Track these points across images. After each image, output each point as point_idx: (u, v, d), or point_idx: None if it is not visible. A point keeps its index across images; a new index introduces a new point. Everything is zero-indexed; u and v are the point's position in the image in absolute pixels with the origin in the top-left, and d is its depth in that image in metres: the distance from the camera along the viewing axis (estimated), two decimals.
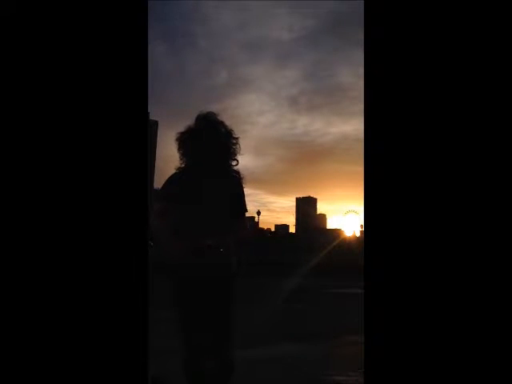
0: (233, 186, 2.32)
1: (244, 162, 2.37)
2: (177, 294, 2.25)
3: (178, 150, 2.31)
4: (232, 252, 2.26)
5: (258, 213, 47.51)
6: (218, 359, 2.22)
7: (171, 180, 2.31)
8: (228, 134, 2.30)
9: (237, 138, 2.32)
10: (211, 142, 2.25)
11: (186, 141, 2.29)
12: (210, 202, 2.22)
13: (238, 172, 2.35)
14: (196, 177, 2.25)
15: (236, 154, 2.32)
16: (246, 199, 2.39)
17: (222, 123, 2.29)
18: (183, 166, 2.32)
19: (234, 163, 2.33)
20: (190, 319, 2.22)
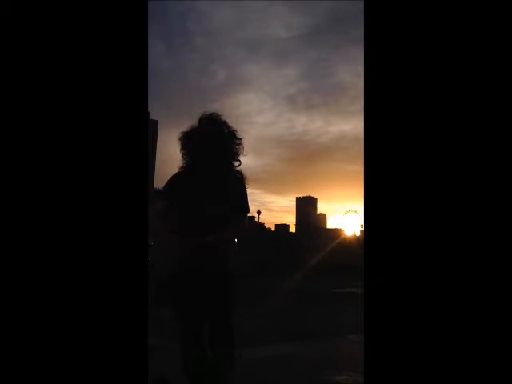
0: (235, 186, 2.33)
1: (243, 161, 2.39)
2: (172, 290, 2.26)
3: (181, 149, 2.32)
4: (230, 250, 2.28)
5: (259, 212, 47.55)
6: (218, 356, 2.22)
7: (174, 179, 2.33)
8: (231, 135, 2.31)
9: (240, 139, 2.33)
10: (214, 142, 2.26)
11: (188, 140, 2.30)
12: (212, 202, 2.24)
13: (240, 172, 2.36)
14: (198, 176, 2.27)
15: (239, 155, 2.33)
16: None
17: (225, 123, 2.30)
18: (186, 165, 2.33)
19: (236, 163, 2.34)
20: (185, 315, 2.23)
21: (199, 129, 2.29)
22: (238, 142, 2.32)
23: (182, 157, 2.33)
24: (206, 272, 2.19)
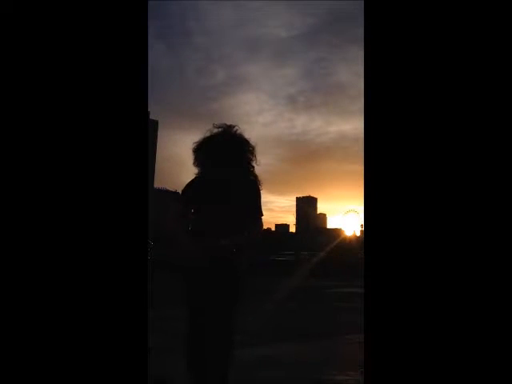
0: (249, 190, 2.42)
1: None
2: (189, 296, 2.33)
3: (195, 159, 2.42)
4: (243, 253, 2.36)
5: None
6: (218, 356, 2.26)
7: (191, 184, 2.43)
8: (244, 142, 2.42)
9: (253, 147, 2.44)
10: (228, 150, 2.36)
11: (202, 149, 2.40)
12: (227, 205, 2.33)
13: (255, 176, 2.46)
14: (214, 181, 2.36)
15: (252, 161, 2.44)
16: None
17: (237, 132, 2.41)
18: (202, 171, 2.42)
19: (250, 169, 2.44)
20: (197, 322, 2.28)
21: (213, 138, 2.39)
22: (250, 148, 2.43)
23: (197, 166, 2.42)
24: (216, 274, 2.25)
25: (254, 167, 2.44)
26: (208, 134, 2.41)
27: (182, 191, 2.45)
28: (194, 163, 2.42)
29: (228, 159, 2.35)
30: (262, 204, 2.47)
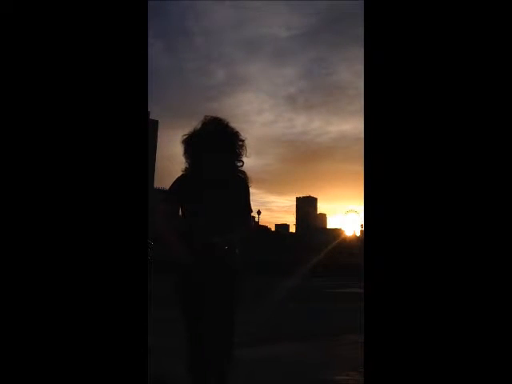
0: (238, 187, 2.38)
1: (244, 160, 2.42)
2: (181, 294, 2.30)
3: (184, 152, 2.36)
4: (235, 250, 2.33)
5: (259, 212, 47.66)
6: (218, 356, 2.26)
7: (178, 181, 2.37)
8: (234, 136, 2.35)
9: (243, 140, 2.37)
10: (217, 144, 2.30)
11: (191, 143, 2.35)
12: (216, 203, 2.28)
13: (243, 172, 2.41)
14: (202, 178, 2.31)
15: (242, 155, 2.38)
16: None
17: (227, 125, 2.35)
18: (189, 167, 2.37)
19: (239, 164, 2.38)
20: (194, 319, 2.26)
21: (202, 131, 2.33)
22: (240, 143, 2.36)
23: (186, 159, 2.37)
24: (210, 273, 2.23)
25: (243, 162, 2.39)
26: (199, 126, 2.35)
27: (169, 189, 2.39)
28: (183, 154, 2.37)
29: (217, 155, 2.30)
30: (250, 200, 2.42)
